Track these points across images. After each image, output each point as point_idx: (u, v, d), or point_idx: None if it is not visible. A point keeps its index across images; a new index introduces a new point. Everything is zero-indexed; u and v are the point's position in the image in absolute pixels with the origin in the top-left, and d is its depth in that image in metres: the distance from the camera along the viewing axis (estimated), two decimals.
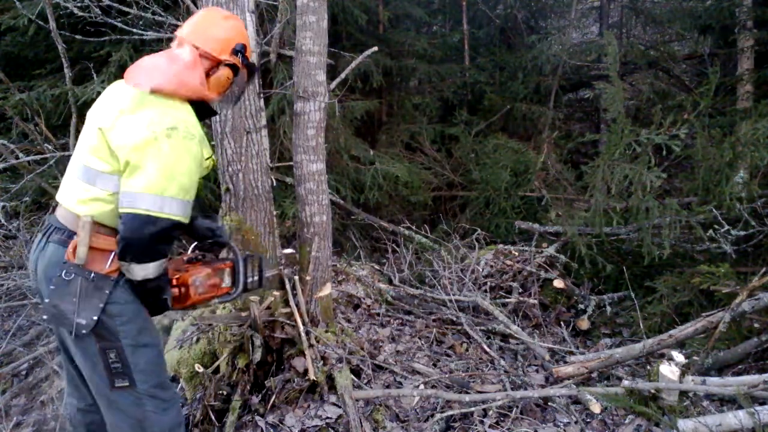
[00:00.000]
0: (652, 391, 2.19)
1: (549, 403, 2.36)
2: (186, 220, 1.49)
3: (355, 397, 2.24)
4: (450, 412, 2.25)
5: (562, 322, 3.40)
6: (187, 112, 1.52)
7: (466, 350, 2.94)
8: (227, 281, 1.71)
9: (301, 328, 2.34)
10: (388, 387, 2.49)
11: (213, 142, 2.36)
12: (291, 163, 2.56)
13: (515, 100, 6.27)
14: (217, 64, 1.62)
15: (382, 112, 6.08)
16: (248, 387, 2.29)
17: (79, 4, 3.32)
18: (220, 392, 2.25)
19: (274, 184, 2.62)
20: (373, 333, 2.93)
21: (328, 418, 2.19)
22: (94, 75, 3.92)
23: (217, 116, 2.33)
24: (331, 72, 2.70)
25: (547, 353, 2.85)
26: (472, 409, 2.25)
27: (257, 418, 2.21)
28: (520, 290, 3.49)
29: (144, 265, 1.44)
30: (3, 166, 3.67)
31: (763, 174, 3.42)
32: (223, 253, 1.82)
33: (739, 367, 2.62)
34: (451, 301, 3.25)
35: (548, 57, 6.12)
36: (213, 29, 1.62)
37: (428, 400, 2.37)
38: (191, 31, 1.61)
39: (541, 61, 6.15)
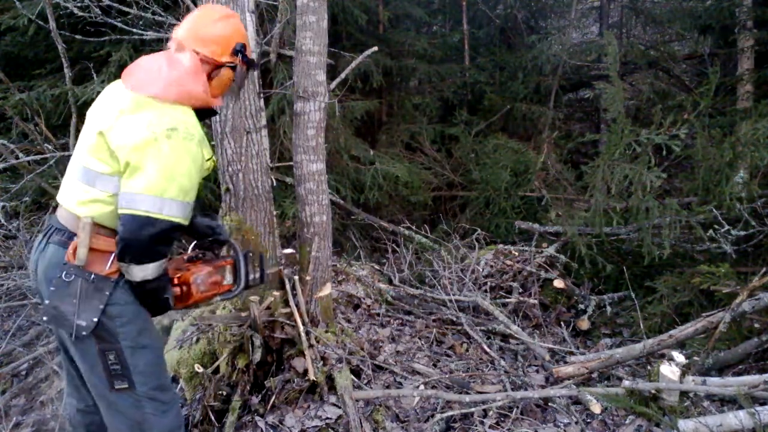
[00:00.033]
0: (653, 391, 2.19)
1: (549, 404, 2.36)
2: (186, 222, 1.48)
3: (355, 398, 2.24)
4: (450, 413, 2.25)
5: (562, 323, 3.40)
6: (187, 113, 1.51)
7: (466, 350, 2.94)
8: (229, 278, 1.71)
9: (301, 328, 2.33)
10: (388, 387, 2.48)
11: (213, 142, 2.36)
12: (291, 163, 2.56)
13: (515, 100, 6.27)
14: (218, 66, 1.62)
15: (382, 112, 6.08)
16: (248, 387, 2.29)
17: (79, 4, 3.31)
18: (220, 392, 2.25)
19: (274, 184, 2.62)
20: (373, 333, 2.92)
21: (328, 418, 2.19)
22: (94, 75, 3.92)
23: (217, 116, 2.32)
24: (331, 72, 2.70)
25: (547, 353, 2.85)
26: (473, 409, 2.25)
27: (257, 418, 2.20)
28: (520, 290, 3.49)
29: (143, 266, 1.44)
30: (3, 166, 3.67)
31: (763, 174, 3.42)
32: (223, 251, 1.81)
33: (740, 367, 2.61)
34: (451, 301, 3.25)
35: (548, 57, 6.12)
36: (211, 32, 1.60)
37: (428, 401, 2.36)
38: (189, 35, 1.59)
39: (541, 61, 6.15)
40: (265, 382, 2.31)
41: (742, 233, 3.12)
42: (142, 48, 4.15)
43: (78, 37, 3.67)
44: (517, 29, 7.14)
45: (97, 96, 1.64)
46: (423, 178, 5.33)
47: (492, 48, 7.07)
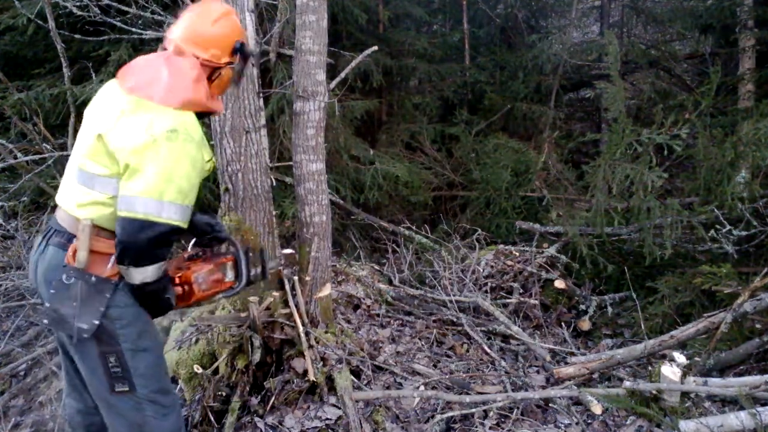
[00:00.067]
0: (654, 392, 2.18)
1: (550, 405, 2.35)
2: (185, 225, 1.47)
3: (355, 398, 2.23)
4: (450, 414, 2.24)
5: (563, 323, 3.39)
6: (187, 115, 1.49)
7: (467, 351, 2.93)
8: (230, 275, 1.70)
9: (301, 328, 2.33)
10: (388, 388, 2.48)
11: (212, 142, 2.35)
12: (290, 162, 2.55)
13: (516, 100, 6.26)
14: (218, 67, 1.60)
15: (382, 112, 6.07)
16: (247, 388, 2.28)
17: (78, 4, 3.30)
18: (219, 393, 2.24)
19: (274, 184, 2.61)
20: (373, 334, 2.91)
21: (327, 419, 2.18)
22: (93, 74, 3.91)
23: (217, 116, 2.31)
24: (331, 71, 2.69)
25: (548, 354, 2.84)
26: (473, 410, 2.24)
27: (256, 419, 2.20)
28: (521, 291, 3.48)
29: (142, 269, 1.43)
30: (1, 166, 3.66)
31: (764, 174, 3.41)
32: (223, 248, 1.80)
33: (741, 367, 2.60)
34: (451, 301, 3.24)
35: (549, 56, 6.10)
36: (211, 35, 1.57)
37: (428, 401, 2.36)
38: (188, 39, 1.55)
39: (542, 61, 6.14)
40: (265, 383, 2.30)
41: (744, 233, 3.11)
42: (141, 47, 4.14)
43: (77, 36, 3.66)
44: (518, 28, 7.13)
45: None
46: (423, 178, 5.32)
47: (492, 47, 7.06)
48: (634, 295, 3.11)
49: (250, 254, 1.75)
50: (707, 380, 2.28)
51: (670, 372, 2.18)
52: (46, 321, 1.47)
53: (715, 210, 3.16)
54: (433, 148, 5.93)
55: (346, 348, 2.48)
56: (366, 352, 2.57)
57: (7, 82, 4.09)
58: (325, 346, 2.39)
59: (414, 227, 4.58)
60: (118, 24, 3.30)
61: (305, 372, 2.25)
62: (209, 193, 3.95)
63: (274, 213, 2.59)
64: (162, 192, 1.38)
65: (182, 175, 1.42)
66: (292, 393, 2.26)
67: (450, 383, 2.53)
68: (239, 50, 1.63)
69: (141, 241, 1.38)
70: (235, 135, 2.38)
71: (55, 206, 1.58)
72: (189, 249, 1.74)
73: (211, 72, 1.59)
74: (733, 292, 2.68)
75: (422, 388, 2.45)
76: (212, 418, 2.18)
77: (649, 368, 2.41)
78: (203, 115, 1.61)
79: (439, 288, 3.45)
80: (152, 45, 4.01)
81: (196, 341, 2.46)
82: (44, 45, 4.53)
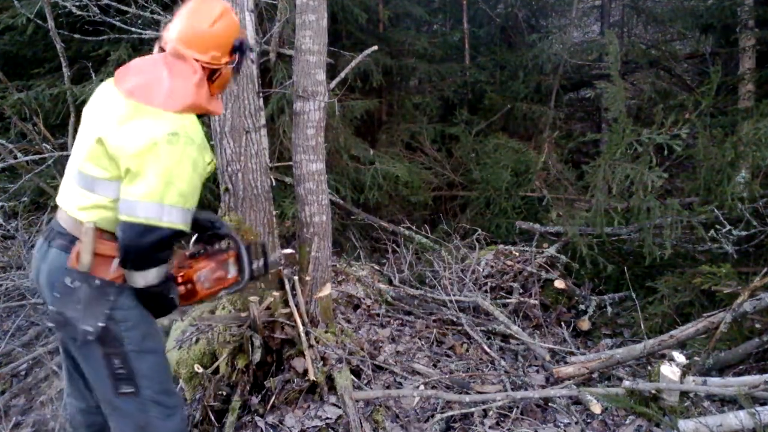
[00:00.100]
0: (653, 391, 2.18)
1: (549, 404, 2.35)
2: (187, 229, 1.46)
3: (355, 398, 2.23)
4: (450, 413, 2.24)
5: (562, 323, 3.39)
6: (188, 117, 1.48)
7: (467, 351, 2.93)
8: (233, 271, 1.70)
9: (301, 328, 2.33)
10: (388, 387, 2.48)
11: (212, 142, 2.35)
12: (290, 162, 2.56)
13: (516, 100, 6.26)
14: (219, 68, 1.59)
15: (382, 112, 6.07)
16: (248, 387, 2.28)
17: (77, 3, 3.31)
18: (220, 393, 2.24)
19: (274, 183, 2.61)
20: (373, 333, 2.92)
21: (327, 418, 2.19)
22: (93, 74, 3.91)
23: (217, 116, 2.31)
24: (331, 71, 2.69)
25: (547, 354, 2.84)
26: (473, 409, 2.24)
27: (257, 418, 2.20)
28: (521, 291, 3.48)
29: (144, 273, 1.43)
30: (1, 166, 3.67)
31: (764, 174, 3.41)
32: (224, 244, 1.79)
33: (740, 367, 2.61)
34: (451, 301, 3.24)
35: (549, 56, 6.10)
36: (210, 37, 1.54)
37: (428, 401, 2.36)
38: (187, 42, 1.52)
39: (542, 61, 6.13)
40: (265, 383, 2.30)
41: (744, 233, 3.11)
42: (141, 47, 4.14)
43: (76, 36, 3.66)
44: (518, 28, 7.12)
45: None
46: (423, 178, 5.32)
47: (492, 47, 7.06)
48: (634, 295, 3.11)
49: (252, 248, 1.75)
50: (706, 380, 2.28)
51: (669, 371, 2.18)
52: (53, 325, 1.47)
53: (715, 210, 3.17)
54: (433, 148, 5.93)
55: (346, 347, 2.48)
56: (366, 352, 2.57)
57: (7, 82, 4.09)
58: (326, 346, 2.40)
59: (414, 227, 4.58)
60: (118, 24, 3.30)
61: (305, 371, 2.25)
62: (209, 193, 3.95)
63: (274, 213, 2.59)
64: (163, 196, 1.37)
65: (183, 178, 1.41)
66: (293, 392, 2.27)
67: (450, 383, 2.53)
68: (238, 48, 1.62)
69: (143, 246, 1.38)
70: (235, 135, 2.38)
71: (55, 206, 1.58)
72: (190, 246, 1.73)
73: (212, 73, 1.58)
74: (732, 292, 2.68)
75: (422, 387, 2.45)
76: (213, 418, 2.18)
77: (649, 368, 2.42)
78: (202, 115, 1.62)
79: (439, 288, 3.45)
80: (152, 45, 3.96)
81: (197, 341, 2.46)
82: (44, 45, 4.53)
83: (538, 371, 2.75)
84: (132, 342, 1.49)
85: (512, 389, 2.49)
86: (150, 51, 1.67)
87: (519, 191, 5.18)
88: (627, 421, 2.20)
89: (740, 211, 3.10)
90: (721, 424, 2.02)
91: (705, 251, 3.38)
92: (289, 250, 2.62)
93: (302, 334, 2.31)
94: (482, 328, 3.11)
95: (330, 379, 2.32)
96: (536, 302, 3.37)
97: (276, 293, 2.40)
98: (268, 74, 4.23)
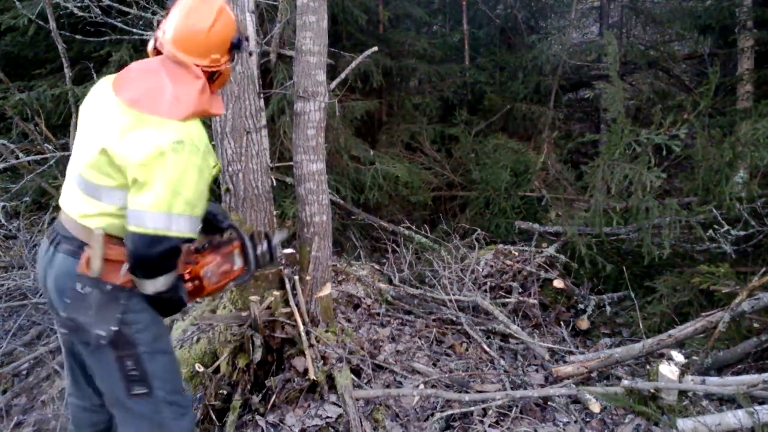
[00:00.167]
0: (652, 390, 2.19)
1: (548, 403, 2.36)
2: (195, 236, 1.47)
3: (355, 397, 2.24)
4: (450, 412, 2.25)
5: (561, 322, 3.40)
6: (191, 124, 1.46)
7: (466, 350, 2.94)
8: (239, 263, 1.70)
9: (302, 327, 2.34)
10: (388, 386, 2.49)
11: (213, 142, 2.36)
12: (291, 163, 2.57)
13: (515, 100, 6.28)
14: (219, 69, 1.59)
15: (382, 112, 6.09)
16: (248, 386, 2.29)
17: (79, 4, 3.32)
18: (221, 392, 2.25)
19: (274, 184, 2.62)
20: (373, 333, 2.93)
21: (328, 417, 2.20)
22: (94, 75, 3.92)
23: (218, 116, 2.32)
24: (331, 72, 2.70)
25: (546, 353, 2.85)
26: (472, 408, 2.25)
27: (257, 417, 2.21)
28: (520, 290, 3.50)
29: (154, 281, 1.43)
30: (3, 166, 3.67)
31: (763, 174, 3.42)
32: (226, 236, 1.80)
33: (739, 366, 2.62)
34: (451, 300, 3.25)
35: (548, 57, 6.12)
36: (209, 41, 1.52)
37: (428, 400, 2.37)
38: (186, 49, 1.49)
39: (541, 61, 6.15)
40: (266, 382, 2.31)
41: (742, 233, 3.12)
42: (142, 48, 4.13)
43: (78, 37, 3.67)
44: (517, 29, 7.14)
45: None
46: (423, 178, 5.34)
47: (492, 48, 7.07)
48: (633, 295, 3.12)
49: (256, 238, 1.75)
50: (705, 379, 2.29)
51: (668, 371, 2.19)
52: (65, 331, 1.46)
53: (714, 210, 3.18)
54: (433, 148, 5.95)
55: (347, 347, 2.49)
56: (366, 351, 2.58)
57: (9, 83, 4.10)
58: (326, 345, 2.41)
59: (414, 227, 4.60)
60: (119, 25, 3.31)
61: (306, 371, 2.26)
62: (210, 193, 3.96)
63: (274, 213, 2.60)
64: (171, 205, 1.37)
65: (190, 186, 1.40)
66: (293, 391, 2.28)
67: (449, 382, 2.54)
68: (236, 46, 1.60)
69: (152, 256, 1.38)
70: (236, 135, 2.39)
71: (57, 207, 1.58)
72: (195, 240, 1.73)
73: (212, 73, 1.58)
74: (731, 292, 2.69)
75: (422, 386, 2.46)
76: (214, 417, 2.19)
77: (648, 367, 2.42)
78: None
79: (439, 287, 3.46)
80: None
81: (198, 340, 2.47)
82: (45, 45, 4.55)
83: (537, 370, 2.76)
84: (144, 343, 1.49)
85: (511, 388, 2.50)
86: None
87: (518, 191, 5.19)
88: (626, 420, 2.21)
89: (738, 211, 3.12)
90: (719, 423, 2.03)
91: (703, 251, 3.39)
92: (289, 250, 2.64)
93: (303, 334, 2.32)
94: (482, 327, 3.12)
95: (330, 378, 2.32)
96: (535, 302, 3.38)
97: (276, 293, 2.41)
98: (269, 75, 4.25)
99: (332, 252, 2.75)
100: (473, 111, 6.51)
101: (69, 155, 1.60)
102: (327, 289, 2.58)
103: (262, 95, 2.49)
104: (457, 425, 2.23)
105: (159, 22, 1.68)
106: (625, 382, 2.25)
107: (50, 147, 3.84)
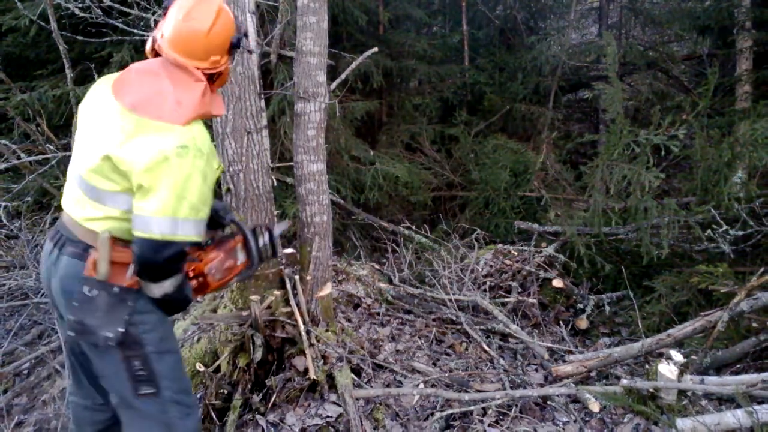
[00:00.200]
0: (651, 390, 2.20)
1: (548, 402, 2.37)
2: (200, 239, 1.47)
3: (356, 396, 2.25)
4: (449, 411, 2.26)
5: (561, 322, 3.41)
6: (194, 128, 1.46)
7: (466, 349, 2.95)
8: (241, 257, 1.70)
9: (302, 327, 2.35)
10: (388, 386, 2.50)
11: (214, 143, 2.37)
12: (291, 163, 2.58)
13: (515, 101, 6.29)
14: (219, 70, 1.59)
15: (383, 113, 6.10)
16: (249, 386, 2.30)
17: (80, 5, 3.33)
18: (221, 391, 2.26)
19: (275, 184, 2.63)
20: (373, 332, 2.94)
21: (328, 416, 2.20)
22: (96, 76, 3.93)
23: (218, 117, 2.33)
24: (332, 73, 2.71)
25: (546, 352, 2.86)
26: (472, 407, 2.26)
27: (258, 416, 2.22)
28: (520, 290, 3.51)
29: (161, 284, 1.44)
30: (5, 167, 3.68)
31: (761, 174, 3.43)
32: (228, 230, 1.81)
33: (738, 366, 2.62)
34: (450, 300, 3.26)
35: (547, 58, 6.13)
36: (209, 44, 1.51)
37: (428, 399, 2.38)
38: (186, 52, 1.48)
39: (541, 62, 6.17)
40: (266, 381, 2.32)
41: (741, 233, 3.13)
42: (143, 49, 4.15)
43: (79, 37, 3.68)
44: (517, 30, 7.16)
45: None
46: (423, 178, 5.35)
47: (491, 49, 7.09)
48: (632, 294, 3.13)
49: (258, 232, 1.75)
50: (704, 378, 2.30)
51: (667, 370, 2.20)
52: (72, 334, 1.46)
53: (712, 210, 3.19)
54: (433, 148, 5.96)
55: (347, 346, 2.50)
56: (366, 351, 2.59)
57: (10, 83, 4.11)
58: (326, 345, 2.42)
59: (414, 227, 4.61)
60: (121, 26, 3.32)
61: (306, 370, 2.27)
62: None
63: (275, 213, 2.61)
64: (176, 210, 1.37)
65: (194, 191, 1.40)
66: (293, 391, 2.28)
67: (449, 381, 2.55)
68: (236, 45, 1.60)
69: (159, 260, 1.39)
70: (237, 136, 2.40)
71: (58, 207, 1.58)
72: None
73: (211, 74, 1.58)
74: (729, 292, 2.70)
75: (422, 385, 2.47)
76: (214, 416, 2.20)
77: (647, 366, 2.43)
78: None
79: (439, 287, 3.47)
80: None
81: (198, 340, 2.48)
82: (47, 46, 4.56)
83: (536, 370, 2.77)
84: (151, 343, 1.50)
85: (511, 387, 2.50)
86: None
87: (518, 191, 5.21)
88: (625, 420, 2.21)
89: (737, 211, 3.13)
90: (718, 422, 2.03)
91: (702, 251, 3.40)
92: (290, 250, 2.65)
93: (303, 333, 2.33)
94: (481, 326, 3.13)
95: (330, 378, 2.33)
96: (535, 301, 3.39)
97: (277, 292, 2.42)
98: (270, 76, 4.26)
99: (332, 252, 2.76)
100: (473, 111, 6.53)
101: (70, 155, 1.59)
102: (327, 289, 2.59)
103: (262, 96, 2.50)
104: (457, 424, 2.24)
105: (157, 23, 1.66)
106: (625, 382, 2.26)
107: (52, 147, 3.85)
